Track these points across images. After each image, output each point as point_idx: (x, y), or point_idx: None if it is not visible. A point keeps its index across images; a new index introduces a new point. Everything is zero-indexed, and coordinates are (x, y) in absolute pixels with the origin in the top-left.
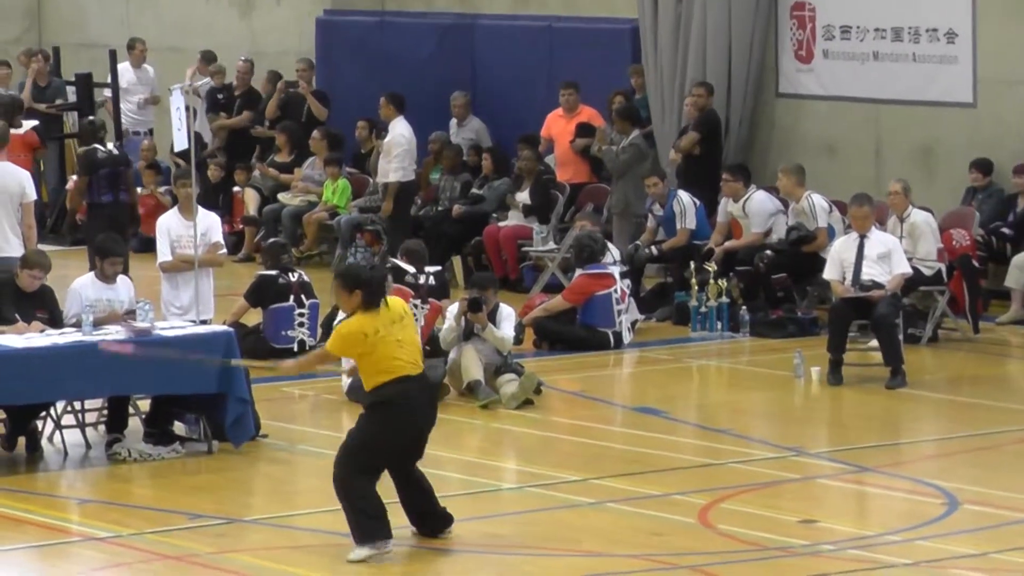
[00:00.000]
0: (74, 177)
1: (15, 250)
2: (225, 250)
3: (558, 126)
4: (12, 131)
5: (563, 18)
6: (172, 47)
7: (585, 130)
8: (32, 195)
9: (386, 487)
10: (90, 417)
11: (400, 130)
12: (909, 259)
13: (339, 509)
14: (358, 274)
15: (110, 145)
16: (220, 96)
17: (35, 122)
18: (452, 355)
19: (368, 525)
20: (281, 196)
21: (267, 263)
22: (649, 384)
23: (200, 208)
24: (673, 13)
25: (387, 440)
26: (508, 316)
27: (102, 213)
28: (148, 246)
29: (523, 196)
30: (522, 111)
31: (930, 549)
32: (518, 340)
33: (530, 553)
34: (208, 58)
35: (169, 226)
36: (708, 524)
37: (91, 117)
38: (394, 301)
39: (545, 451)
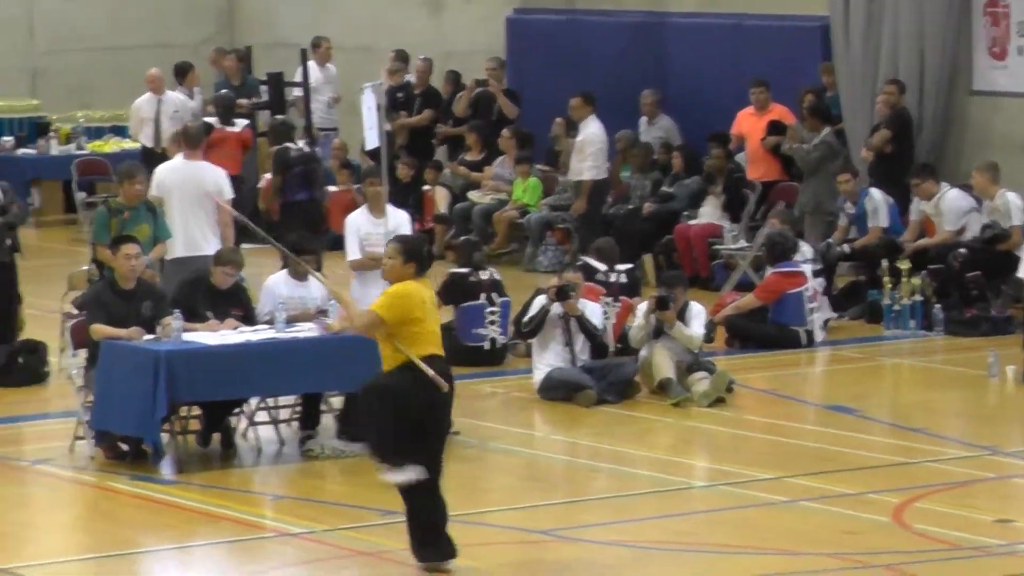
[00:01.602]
0: (267, 176)
1: (211, 248)
2: None
3: (749, 124)
4: (228, 129)
5: (752, 16)
6: (361, 46)
7: (776, 128)
8: (228, 193)
9: None
10: (283, 414)
11: (593, 128)
12: None
13: (532, 506)
14: (420, 246)
15: (301, 143)
16: (399, 95)
17: (247, 121)
18: (643, 353)
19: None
20: (471, 194)
21: (459, 261)
22: (841, 382)
23: (389, 206)
24: (865, 10)
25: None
26: (698, 314)
27: (296, 211)
28: (338, 244)
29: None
30: (712, 109)
31: None
32: (709, 338)
33: (722, 551)
34: (402, 57)
35: (358, 224)
36: (902, 523)
37: (282, 116)
38: (427, 283)
39: (737, 449)
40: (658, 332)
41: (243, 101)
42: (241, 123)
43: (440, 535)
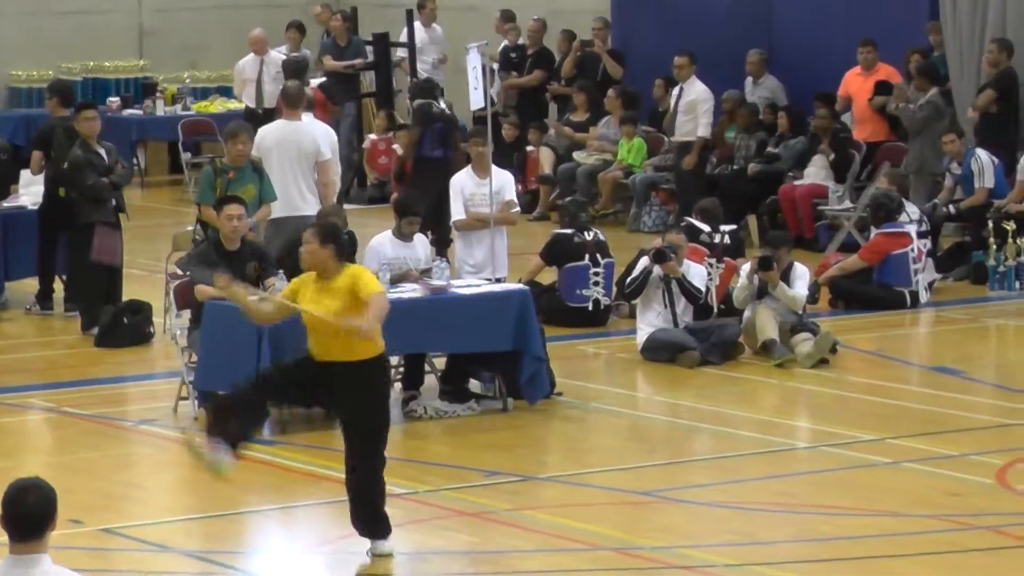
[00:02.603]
0: (371, 137)
1: (311, 208)
2: (519, 208)
3: (856, 84)
4: None
5: None
6: (468, 6)
7: (883, 88)
8: (328, 153)
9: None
10: None
11: (700, 87)
12: None
13: (635, 466)
14: (337, 230)
15: (442, 103)
16: (513, 55)
17: (322, 79)
18: (747, 314)
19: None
20: (576, 155)
21: (564, 221)
22: (946, 344)
23: (493, 166)
24: None
25: None
26: (802, 275)
27: (431, 167)
28: None
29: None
30: (818, 69)
31: None
32: (813, 299)
33: (825, 512)
34: (508, 17)
35: (463, 184)
36: (1006, 484)
37: (428, 75)
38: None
39: (840, 410)
40: (761, 292)
41: (338, 64)
42: (315, 82)
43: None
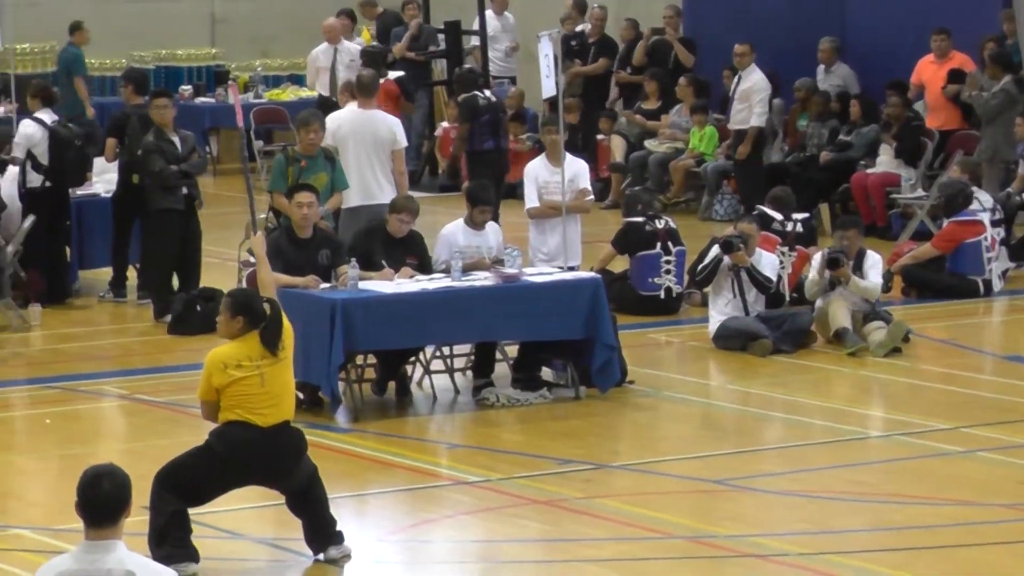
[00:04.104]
0: (443, 125)
1: (386, 196)
2: (592, 197)
3: (929, 72)
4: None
5: None
6: None
7: (956, 76)
8: (403, 142)
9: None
10: (458, 362)
11: (758, 75)
12: None
13: (707, 455)
14: (251, 300)
15: (488, 92)
16: (573, 43)
17: (400, 73)
18: (819, 303)
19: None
20: (648, 143)
21: (632, 210)
22: (1020, 332)
23: (568, 154)
24: None
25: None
26: (875, 264)
27: (483, 159)
28: (509, 192)
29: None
30: (890, 57)
31: None
32: (886, 288)
33: (898, 502)
34: (579, 5)
35: (536, 172)
36: None
37: (469, 65)
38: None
39: (913, 399)
40: (834, 284)
41: (410, 54)
42: (392, 75)
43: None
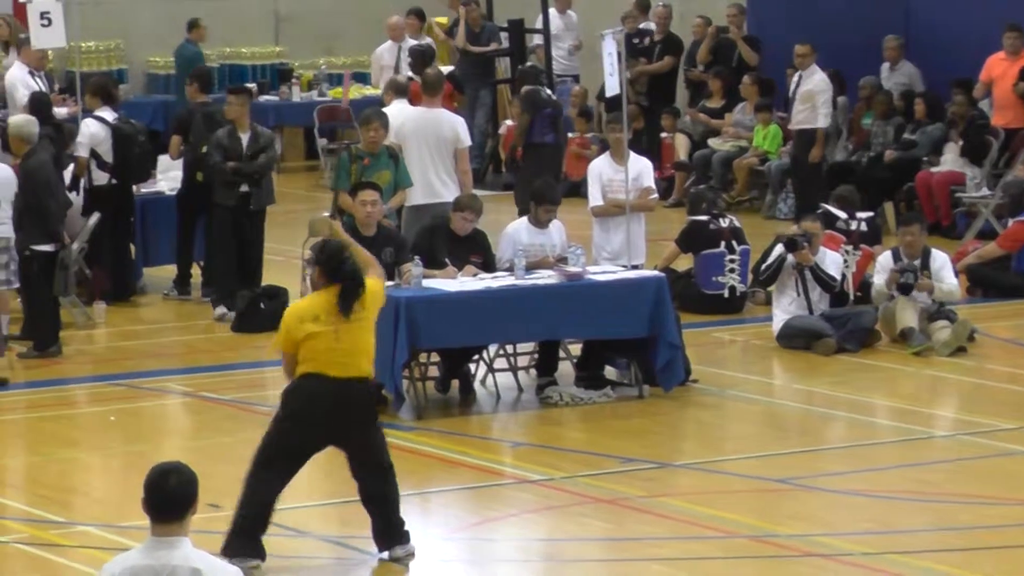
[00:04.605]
0: (507, 123)
1: (450, 195)
2: (656, 195)
3: (1000, 69)
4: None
5: None
6: None
7: None
8: (466, 141)
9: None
10: (522, 361)
11: (820, 76)
12: None
13: (770, 454)
14: (332, 255)
15: (548, 90)
16: (635, 41)
17: (450, 67)
18: (885, 301)
19: (238, 538)
20: (711, 141)
21: (691, 210)
22: None
23: (632, 153)
24: None
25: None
26: (944, 263)
27: (542, 153)
28: (573, 191)
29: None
30: (955, 55)
31: None
32: None
33: (964, 501)
34: (642, 4)
35: (601, 170)
36: None
37: (531, 62)
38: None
39: (979, 399)
40: (906, 290)
41: (474, 49)
42: (446, 70)
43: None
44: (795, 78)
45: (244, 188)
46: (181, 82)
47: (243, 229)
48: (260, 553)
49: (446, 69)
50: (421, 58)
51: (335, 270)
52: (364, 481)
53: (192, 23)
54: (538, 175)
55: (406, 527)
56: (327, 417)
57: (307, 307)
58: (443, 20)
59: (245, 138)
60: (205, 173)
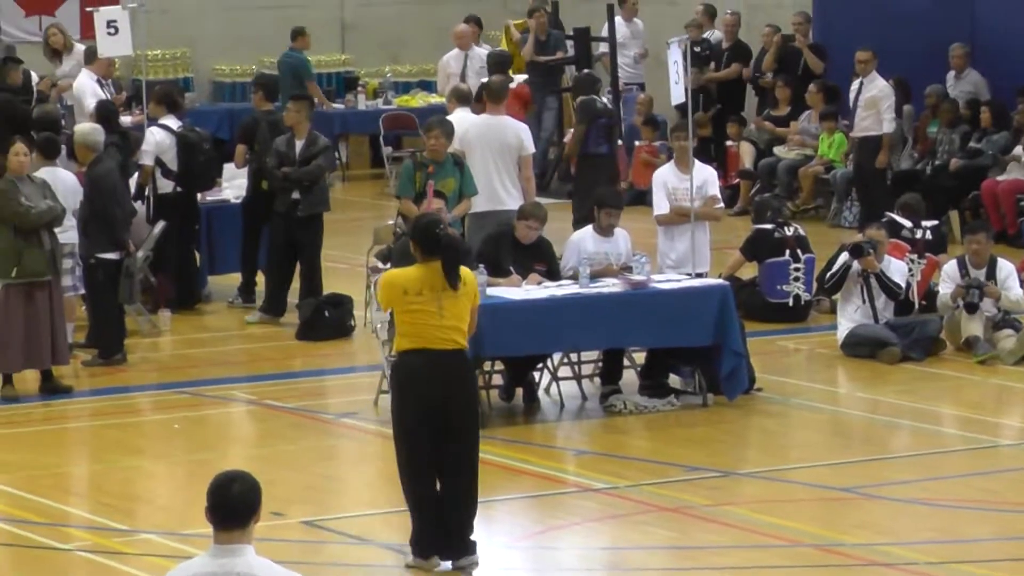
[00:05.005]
0: (571, 130)
1: (514, 202)
2: (722, 204)
3: None
4: None
5: None
6: (669, 1)
7: None
8: (530, 148)
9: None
10: (586, 369)
11: (881, 82)
12: None
13: (835, 463)
14: (424, 227)
15: (605, 98)
16: (696, 48)
17: (524, 76)
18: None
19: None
20: (777, 149)
21: (756, 219)
22: None
23: (696, 161)
24: None
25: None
26: (1011, 273)
27: (596, 163)
28: (639, 199)
29: (1019, 150)
30: (1021, 63)
31: None
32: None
33: None
34: (709, 11)
35: (665, 179)
36: None
37: (587, 70)
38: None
39: None
40: (971, 309)
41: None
42: (518, 79)
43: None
44: (856, 85)
45: (296, 194)
46: (287, 89)
47: (294, 235)
48: (442, 552)
49: (520, 77)
50: (497, 65)
51: (433, 241)
52: (452, 478)
53: (297, 31)
54: (593, 185)
55: (473, 536)
56: (435, 386)
57: (409, 278)
58: (521, 22)
59: (300, 145)
60: (268, 181)
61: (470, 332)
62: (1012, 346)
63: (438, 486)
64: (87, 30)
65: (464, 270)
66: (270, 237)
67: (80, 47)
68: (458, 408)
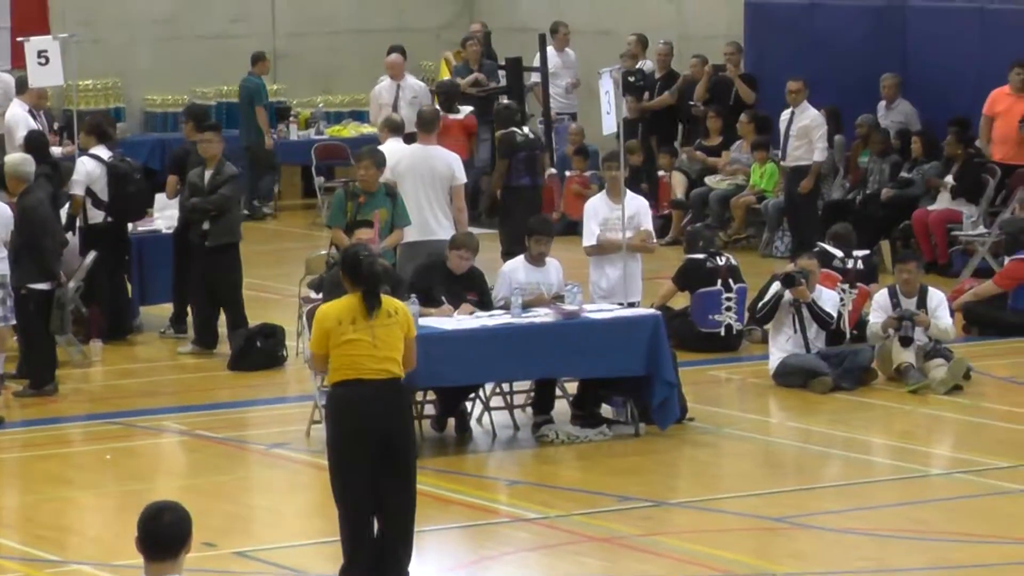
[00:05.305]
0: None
1: (446, 232)
2: (655, 240)
3: (1004, 104)
4: (452, 116)
5: (996, 0)
6: (601, 31)
7: None
8: (462, 178)
9: None
10: (518, 399)
11: (813, 112)
12: None
13: (767, 492)
14: (350, 259)
15: (526, 129)
16: (631, 79)
17: (471, 108)
18: (881, 340)
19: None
20: (708, 179)
21: (688, 249)
22: None
23: (628, 191)
24: None
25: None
26: (941, 302)
27: (520, 196)
28: (571, 229)
29: (949, 179)
30: (952, 94)
31: None
32: None
33: (959, 540)
34: (642, 42)
35: (597, 209)
36: None
37: (507, 101)
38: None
39: (975, 437)
40: (906, 342)
41: (472, 90)
42: (465, 110)
43: None
44: (787, 115)
45: (206, 225)
46: (246, 115)
47: (206, 266)
48: None
49: (467, 108)
50: (446, 95)
51: (355, 273)
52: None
53: (257, 56)
54: (519, 218)
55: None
56: (371, 420)
57: (341, 308)
58: (458, 52)
59: (207, 175)
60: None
61: (409, 365)
62: (943, 375)
63: (375, 523)
64: (17, 60)
65: (395, 301)
66: (191, 269)
67: (10, 77)
68: (395, 438)
